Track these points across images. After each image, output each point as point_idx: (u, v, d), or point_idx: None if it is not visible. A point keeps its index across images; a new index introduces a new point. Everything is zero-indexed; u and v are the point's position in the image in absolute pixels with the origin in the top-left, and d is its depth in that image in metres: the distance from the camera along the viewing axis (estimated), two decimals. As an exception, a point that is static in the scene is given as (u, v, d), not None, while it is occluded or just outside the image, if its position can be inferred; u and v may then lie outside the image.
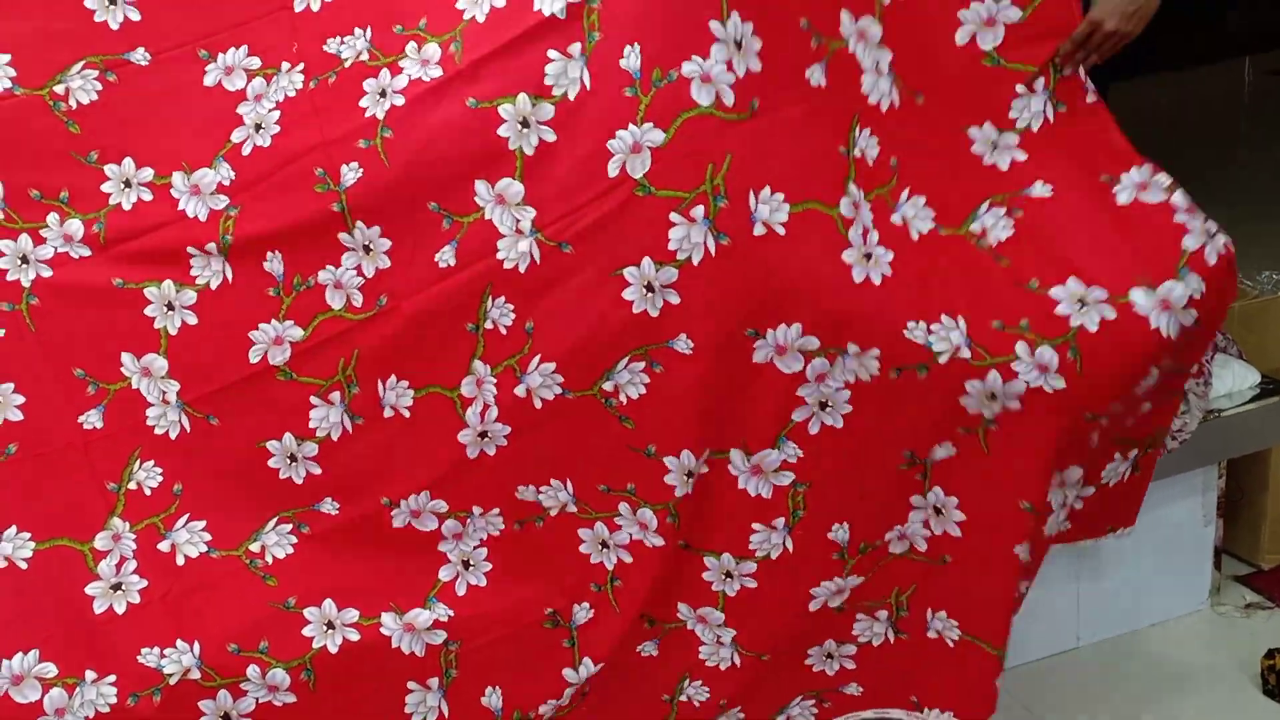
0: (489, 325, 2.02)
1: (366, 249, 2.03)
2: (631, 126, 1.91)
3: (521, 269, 1.99)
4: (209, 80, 2.08)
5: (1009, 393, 1.94)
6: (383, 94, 2.01)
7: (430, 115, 1.98)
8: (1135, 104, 3.18)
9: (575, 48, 1.93)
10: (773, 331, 1.95)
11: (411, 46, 2.01)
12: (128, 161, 2.08)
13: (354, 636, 2.06)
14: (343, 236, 2.04)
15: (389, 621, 2.08)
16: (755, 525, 2.07)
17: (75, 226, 2.08)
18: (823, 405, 1.99)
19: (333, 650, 2.05)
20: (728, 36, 1.88)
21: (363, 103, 2.02)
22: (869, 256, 1.94)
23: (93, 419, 2.10)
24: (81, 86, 2.07)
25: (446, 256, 2.01)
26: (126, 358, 2.09)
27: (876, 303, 1.93)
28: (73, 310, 2.09)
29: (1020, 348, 1.92)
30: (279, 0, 2.06)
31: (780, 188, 1.90)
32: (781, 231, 1.90)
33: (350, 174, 2.01)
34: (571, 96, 1.93)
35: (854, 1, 1.98)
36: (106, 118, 2.08)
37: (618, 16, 1.91)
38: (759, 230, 1.90)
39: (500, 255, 1.99)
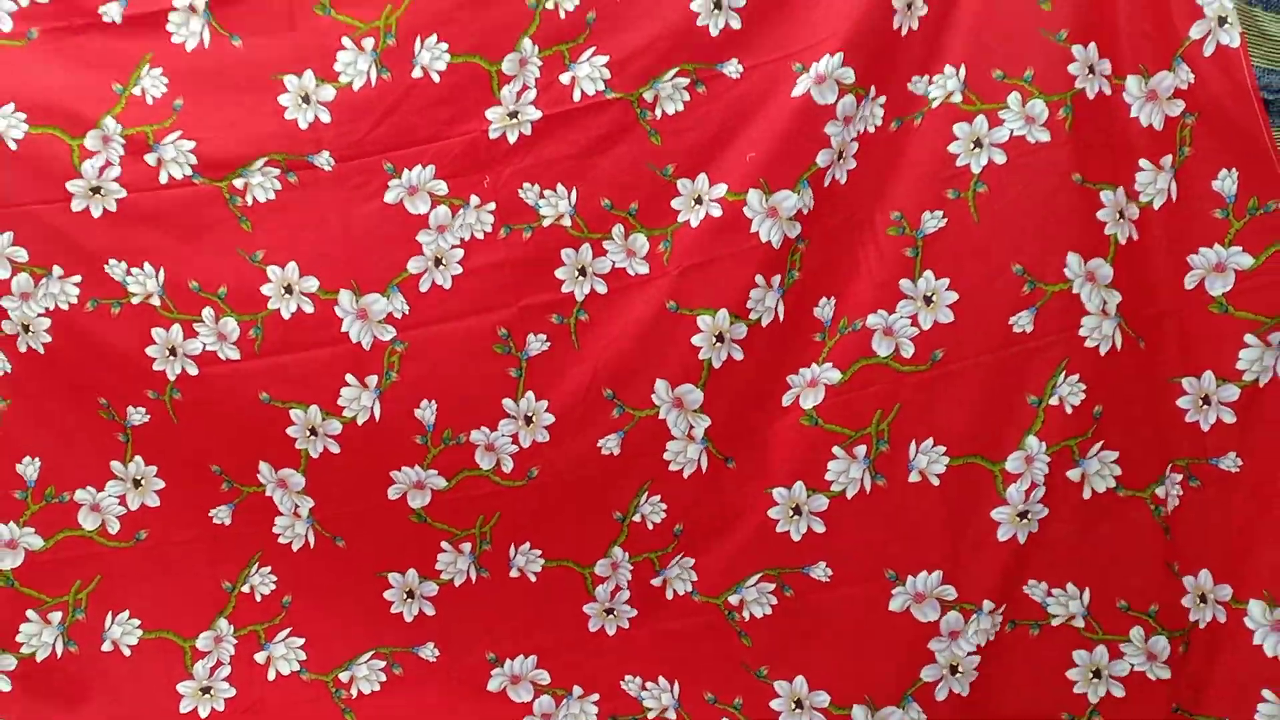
0: (637, 518, 2.12)
1: (528, 420, 2.09)
2: (813, 365, 2.03)
3: (685, 475, 2.09)
4: (390, 197, 2.05)
5: (1114, 672, 2.01)
6: (582, 272, 2.05)
7: (629, 309, 2.04)
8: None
9: (776, 279, 2.02)
10: (913, 578, 2.05)
11: (618, 230, 2.04)
12: (291, 266, 2.05)
13: None
14: (507, 402, 2.08)
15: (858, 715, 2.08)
16: None
17: (230, 326, 2.06)
18: (953, 669, 2.04)
19: None
20: (917, 293, 1.99)
21: (559, 274, 2.05)
22: (1023, 515, 1.99)
23: (222, 515, 2.13)
24: (261, 183, 2.03)
25: (611, 444, 2.09)
26: (264, 466, 2.11)
27: (1012, 560, 2.01)
28: (213, 412, 2.09)
29: (1135, 632, 2.00)
30: (474, 123, 2.03)
31: (944, 440, 2.00)
32: (936, 482, 2.02)
33: (536, 344, 2.06)
34: (764, 323, 2.03)
35: (1085, 243, 1.94)
36: (280, 217, 2.05)
37: (818, 263, 2.01)
38: (914, 477, 2.03)
39: (667, 456, 2.09)
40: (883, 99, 1.95)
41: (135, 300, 2.05)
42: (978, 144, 1.94)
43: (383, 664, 2.18)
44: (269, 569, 2.14)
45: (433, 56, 2.00)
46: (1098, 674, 2.01)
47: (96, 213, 2.02)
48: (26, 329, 2.05)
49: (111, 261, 2.04)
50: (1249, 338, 1.90)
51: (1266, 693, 1.92)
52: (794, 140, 1.96)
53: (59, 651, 2.12)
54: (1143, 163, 1.91)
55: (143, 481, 2.10)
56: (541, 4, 1.99)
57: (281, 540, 2.13)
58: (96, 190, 2.01)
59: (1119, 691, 2.01)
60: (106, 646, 2.13)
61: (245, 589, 2.14)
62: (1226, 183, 1.89)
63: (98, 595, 2.12)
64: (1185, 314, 1.92)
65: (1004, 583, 2.02)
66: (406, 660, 2.18)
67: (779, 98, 1.95)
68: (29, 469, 2.09)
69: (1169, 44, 1.86)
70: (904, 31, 1.91)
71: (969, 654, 2.04)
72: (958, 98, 1.93)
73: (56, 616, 2.11)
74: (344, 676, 2.18)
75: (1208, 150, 1.89)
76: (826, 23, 1.92)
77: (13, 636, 2.10)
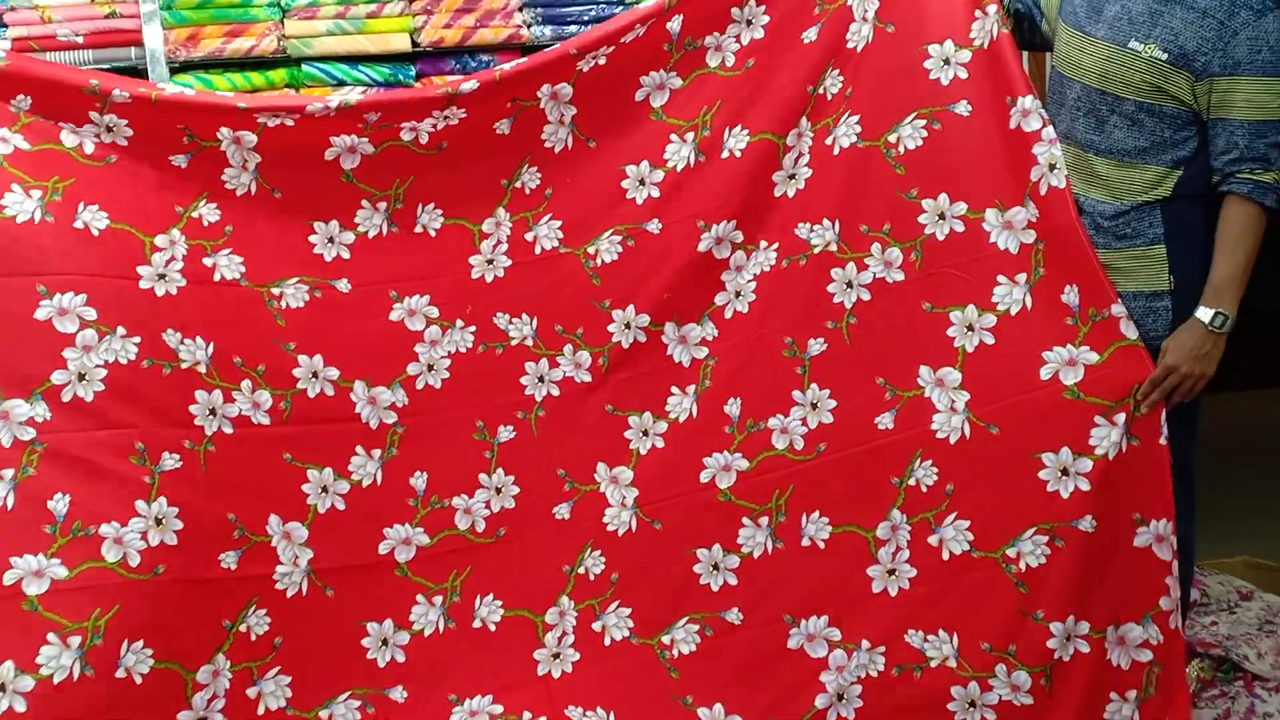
0: (581, 570, 2.57)
1: (499, 490, 2.60)
2: (726, 453, 2.58)
3: (619, 534, 2.59)
4: (394, 316, 2.59)
5: (985, 702, 2.40)
6: (540, 380, 2.62)
7: (574, 410, 2.62)
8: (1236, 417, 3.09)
9: (691, 388, 2.61)
10: (805, 620, 2.52)
11: (568, 349, 2.62)
12: (318, 357, 2.54)
13: None
14: (482, 476, 2.59)
15: None
16: None
17: (264, 397, 2.50)
18: (840, 696, 2.50)
19: None
20: (805, 401, 2.55)
21: (523, 381, 2.62)
22: (892, 572, 2.45)
23: (229, 560, 2.44)
24: (294, 294, 2.54)
25: (562, 512, 2.60)
26: (274, 518, 2.50)
27: (888, 611, 2.47)
28: (239, 467, 2.47)
29: (999, 669, 2.36)
30: (460, 266, 2.61)
31: (827, 512, 2.52)
32: (822, 546, 2.52)
33: (505, 433, 2.60)
34: (681, 420, 2.60)
35: (934, 356, 2.40)
36: (308, 321, 2.54)
37: (726, 374, 2.59)
38: (805, 542, 2.53)
39: (605, 520, 2.59)
40: (776, 245, 2.58)
41: (184, 365, 2.43)
42: (849, 284, 2.53)
43: (358, 703, 2.52)
44: (264, 611, 2.48)
45: (431, 218, 2.61)
46: (973, 704, 2.44)
47: (160, 293, 2.42)
48: (82, 377, 2.32)
49: (169, 330, 2.43)
50: (1098, 418, 2.30)
51: (1113, 694, 2.37)
52: (698, 286, 2.61)
53: (75, 674, 2.27)
54: (1000, 278, 2.37)
55: (164, 520, 2.37)
56: (512, 184, 2.64)
57: (279, 586, 2.49)
58: (163, 276, 2.44)
59: (991, 717, 2.43)
60: (120, 673, 2.30)
61: (243, 628, 2.46)
62: (1071, 295, 2.33)
63: (115, 623, 2.31)
64: (1042, 400, 2.33)
65: (880, 627, 2.49)
66: (378, 700, 2.52)
67: (687, 250, 2.59)
68: (59, 504, 2.31)
69: (1020, 184, 2.36)
70: (791, 193, 2.58)
71: (851, 684, 2.49)
72: (834, 247, 2.54)
73: (76, 641, 2.27)
74: (324, 714, 2.49)
75: (1056, 269, 2.34)
76: (722, 194, 2.58)
77: (33, 658, 2.25)
